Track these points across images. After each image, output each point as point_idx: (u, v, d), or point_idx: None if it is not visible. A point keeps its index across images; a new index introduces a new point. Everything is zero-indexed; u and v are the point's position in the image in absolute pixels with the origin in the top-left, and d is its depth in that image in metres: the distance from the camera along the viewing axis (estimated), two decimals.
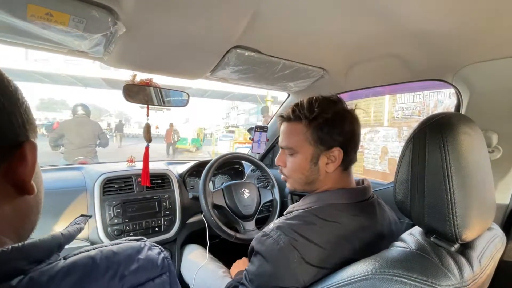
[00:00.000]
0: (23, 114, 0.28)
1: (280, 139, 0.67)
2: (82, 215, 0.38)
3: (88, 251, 0.29)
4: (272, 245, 0.51)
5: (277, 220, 0.57)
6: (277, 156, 0.69)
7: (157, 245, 0.35)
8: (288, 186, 0.68)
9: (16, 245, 0.24)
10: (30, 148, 0.29)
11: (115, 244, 0.31)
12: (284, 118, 0.66)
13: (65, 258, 0.27)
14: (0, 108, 0.26)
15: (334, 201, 0.58)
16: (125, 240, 0.34)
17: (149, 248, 0.33)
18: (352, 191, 0.61)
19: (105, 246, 0.31)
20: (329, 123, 0.59)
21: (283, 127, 0.66)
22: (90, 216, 0.40)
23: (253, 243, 0.56)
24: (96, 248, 0.30)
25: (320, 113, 0.60)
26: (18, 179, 0.28)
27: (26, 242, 0.24)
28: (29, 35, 0.62)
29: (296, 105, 0.63)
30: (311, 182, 0.63)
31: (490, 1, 0.51)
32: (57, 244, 0.28)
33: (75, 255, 0.28)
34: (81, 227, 0.33)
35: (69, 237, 0.30)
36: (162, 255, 0.34)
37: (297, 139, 0.62)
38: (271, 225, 0.55)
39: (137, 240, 0.34)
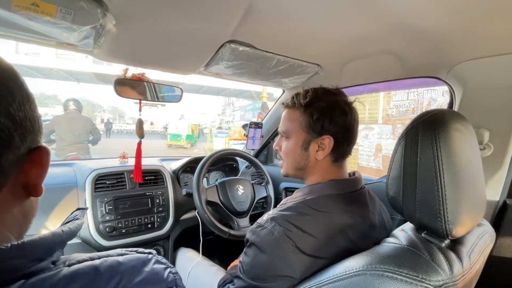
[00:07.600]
0: (39, 119, 0.29)
1: (279, 125, 0.70)
2: (78, 209, 0.37)
3: (93, 259, 0.28)
4: (267, 236, 0.52)
5: (271, 211, 0.58)
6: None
7: (166, 260, 0.34)
8: (282, 170, 0.70)
9: (16, 243, 0.23)
10: (45, 154, 0.29)
11: (121, 255, 0.31)
12: (284, 105, 0.69)
13: (69, 266, 0.26)
14: (26, 114, 0.26)
15: (327, 192, 0.60)
16: (133, 250, 0.33)
17: (156, 262, 0.32)
18: (343, 181, 0.63)
19: (111, 255, 0.30)
20: (320, 111, 0.61)
21: (283, 113, 0.69)
22: (87, 209, 0.39)
23: (247, 234, 0.57)
24: (101, 257, 0.29)
25: (314, 101, 0.62)
26: (31, 183, 0.28)
27: (26, 240, 0.24)
28: (15, 27, 0.60)
29: (296, 94, 0.67)
30: (302, 168, 0.65)
31: None
32: (58, 241, 0.27)
33: (79, 262, 0.27)
34: (82, 222, 0.33)
35: (71, 233, 0.29)
36: (168, 270, 0.33)
37: (291, 125, 0.65)
38: (265, 217, 0.56)
39: (146, 252, 0.33)
